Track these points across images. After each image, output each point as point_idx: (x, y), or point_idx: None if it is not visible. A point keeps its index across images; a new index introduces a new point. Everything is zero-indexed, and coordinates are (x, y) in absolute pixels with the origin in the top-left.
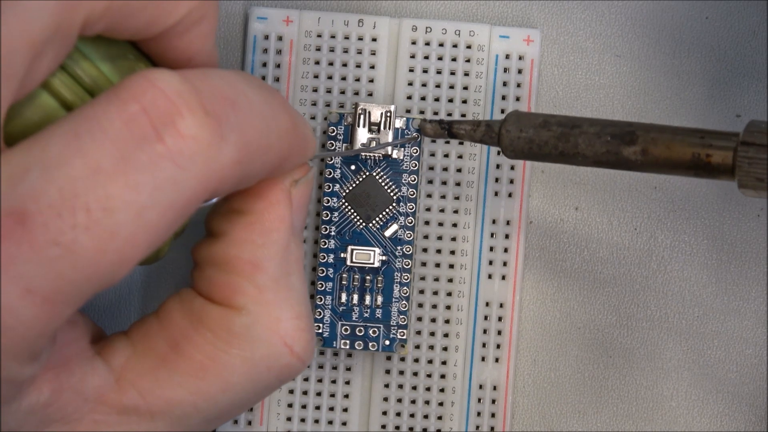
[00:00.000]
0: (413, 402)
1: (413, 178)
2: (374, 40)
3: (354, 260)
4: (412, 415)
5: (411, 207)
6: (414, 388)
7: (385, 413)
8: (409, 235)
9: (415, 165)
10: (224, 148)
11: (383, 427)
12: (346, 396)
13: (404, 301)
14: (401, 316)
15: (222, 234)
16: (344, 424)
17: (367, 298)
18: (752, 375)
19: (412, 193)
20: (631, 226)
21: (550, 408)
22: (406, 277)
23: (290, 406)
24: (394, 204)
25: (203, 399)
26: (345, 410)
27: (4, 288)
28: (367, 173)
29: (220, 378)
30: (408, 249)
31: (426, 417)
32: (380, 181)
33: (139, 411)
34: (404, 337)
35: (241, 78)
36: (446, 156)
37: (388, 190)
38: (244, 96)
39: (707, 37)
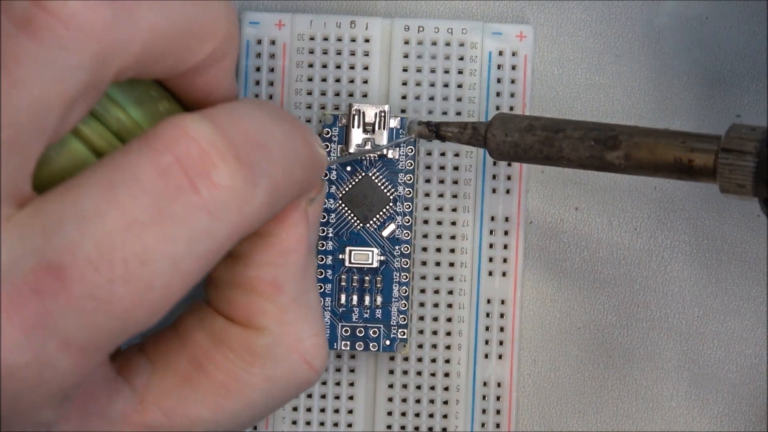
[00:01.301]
0: (418, 402)
1: (409, 178)
2: (367, 41)
3: (352, 261)
4: (417, 415)
5: (408, 206)
6: (418, 387)
7: (390, 413)
8: (406, 235)
9: (411, 164)
10: (256, 194)
11: (389, 427)
12: (351, 398)
13: (404, 301)
14: (401, 316)
15: (241, 255)
16: (350, 425)
17: (367, 299)
18: (752, 375)
19: (408, 192)
20: (631, 227)
21: (550, 408)
22: (405, 277)
23: (295, 409)
24: (390, 204)
25: (225, 416)
26: (350, 412)
27: (43, 342)
28: (363, 174)
29: (242, 396)
30: (406, 248)
31: (431, 416)
32: (376, 181)
33: (163, 429)
34: (405, 337)
35: (266, 114)
36: (443, 155)
37: (385, 190)
38: (272, 137)
39: (707, 37)
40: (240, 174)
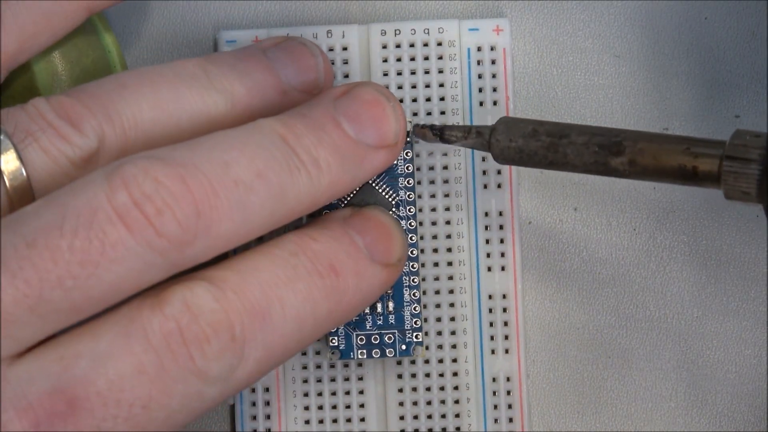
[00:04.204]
0: (429, 403)
1: (409, 181)
2: (345, 49)
3: None
4: (429, 417)
5: (411, 210)
6: (428, 389)
7: (402, 418)
8: (412, 239)
9: (410, 168)
10: (245, 365)
11: (402, 431)
12: (362, 405)
13: (416, 305)
14: (414, 320)
15: None
16: None
17: (379, 306)
18: (751, 375)
19: (410, 196)
20: (630, 227)
21: (549, 408)
22: (414, 280)
23: (307, 422)
24: (393, 209)
25: None
26: (362, 420)
27: None
28: None
29: None
30: (413, 252)
31: (444, 416)
32: (377, 188)
33: None
34: (420, 340)
35: (282, 272)
36: (431, 154)
37: (387, 196)
38: (279, 302)
39: (706, 37)
40: (231, 350)
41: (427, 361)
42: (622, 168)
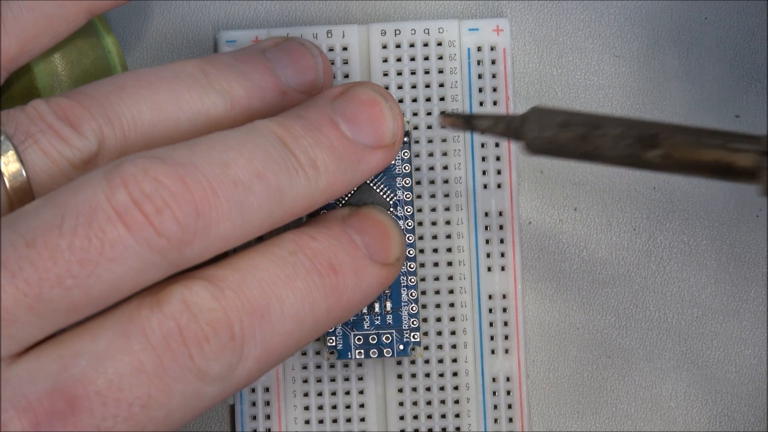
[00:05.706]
0: (429, 403)
1: (407, 181)
2: (345, 49)
3: None
4: (429, 417)
5: (408, 210)
6: (428, 389)
7: (402, 418)
8: (410, 239)
9: (408, 168)
10: (244, 364)
11: (402, 431)
12: (362, 405)
13: (413, 304)
14: (412, 320)
15: None
16: None
17: (377, 306)
18: (751, 375)
19: (408, 196)
20: (630, 227)
21: (549, 408)
22: (412, 280)
23: (307, 422)
24: (391, 209)
25: None
26: (362, 420)
27: None
28: None
29: None
30: (410, 252)
31: (443, 416)
32: (375, 188)
33: None
34: (417, 340)
35: (282, 270)
36: (431, 155)
37: (384, 196)
38: (278, 301)
39: (706, 37)
40: (230, 349)
41: (427, 361)
42: (656, 161)
